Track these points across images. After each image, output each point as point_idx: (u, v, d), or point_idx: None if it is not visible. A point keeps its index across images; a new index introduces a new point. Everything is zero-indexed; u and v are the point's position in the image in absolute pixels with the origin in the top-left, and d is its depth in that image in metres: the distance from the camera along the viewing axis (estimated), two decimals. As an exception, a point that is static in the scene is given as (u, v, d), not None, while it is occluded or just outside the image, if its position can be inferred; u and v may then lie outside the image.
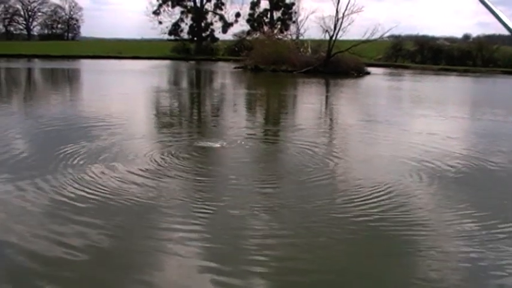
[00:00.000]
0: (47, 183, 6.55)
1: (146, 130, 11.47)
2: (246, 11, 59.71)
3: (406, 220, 5.63)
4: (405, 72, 43.03)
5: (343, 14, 36.08)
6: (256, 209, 5.81)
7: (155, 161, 7.92)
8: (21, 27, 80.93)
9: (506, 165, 8.59)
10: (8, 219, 5.29)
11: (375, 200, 6.26)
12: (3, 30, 78.92)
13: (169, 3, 59.76)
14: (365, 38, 36.16)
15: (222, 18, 60.68)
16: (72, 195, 6.10)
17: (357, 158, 8.73)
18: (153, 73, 34.97)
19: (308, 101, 20.18)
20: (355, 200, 6.23)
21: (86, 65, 40.12)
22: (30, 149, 8.82)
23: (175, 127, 12.24)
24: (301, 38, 45.01)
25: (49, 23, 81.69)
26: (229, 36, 60.71)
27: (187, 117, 14.95)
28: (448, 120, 14.75)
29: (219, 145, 9.34)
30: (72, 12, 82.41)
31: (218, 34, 61.17)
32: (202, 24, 60.43)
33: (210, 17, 61.03)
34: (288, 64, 34.92)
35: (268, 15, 59.47)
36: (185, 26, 60.79)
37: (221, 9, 60.69)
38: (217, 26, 60.95)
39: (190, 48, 58.16)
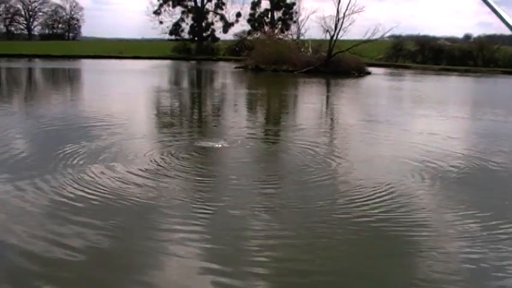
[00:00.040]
0: (46, 183, 6.53)
1: (146, 130, 11.45)
2: (246, 10, 59.82)
3: (408, 220, 5.60)
4: (406, 72, 42.98)
5: (344, 14, 36.09)
6: (257, 209, 5.78)
7: (155, 161, 7.89)
8: (22, 27, 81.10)
9: (507, 165, 8.56)
10: (8, 220, 5.26)
11: (377, 200, 6.24)
12: (4, 30, 78.99)
13: (170, 3, 59.77)
14: (366, 38, 36.15)
15: (222, 18, 60.71)
16: (72, 195, 6.08)
17: (358, 158, 8.70)
18: (153, 73, 34.96)
19: (309, 101, 20.15)
20: (357, 201, 6.21)
21: (87, 65, 40.11)
22: (30, 149, 8.81)
23: (175, 127, 12.22)
24: (302, 37, 45.03)
25: (50, 22, 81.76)
26: (230, 36, 60.78)
27: (188, 117, 14.93)
28: (449, 120, 14.72)
29: (219, 145, 9.32)
30: (73, 12, 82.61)
31: (219, 34, 61.30)
32: (203, 24, 60.42)
33: (210, 16, 61.09)
34: (288, 64, 34.90)
35: (269, 15, 59.45)
36: (186, 26, 60.88)
37: (222, 9, 60.76)
38: (218, 25, 61.05)
39: (191, 48, 58.15)
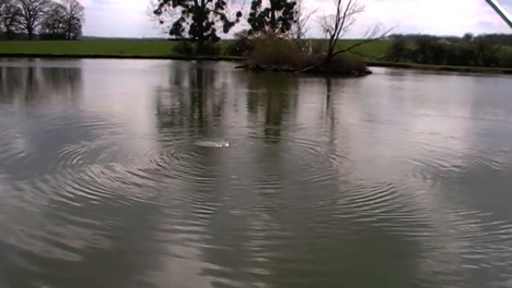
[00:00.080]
0: (46, 183, 6.51)
1: (147, 129, 11.42)
2: (247, 10, 59.75)
3: (409, 220, 5.58)
4: (407, 71, 42.94)
5: (345, 13, 36.02)
6: (258, 209, 5.76)
7: (155, 160, 7.87)
8: (22, 26, 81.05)
9: (508, 165, 8.54)
10: (7, 220, 5.24)
11: (378, 200, 6.22)
12: (5, 29, 78.97)
13: (171, 2, 59.72)
14: (366, 37, 36.11)
15: (223, 17, 60.67)
16: (72, 195, 6.06)
17: (358, 158, 8.68)
18: (154, 72, 34.94)
19: (309, 101, 20.13)
20: (358, 201, 6.18)
21: (87, 65, 40.09)
22: (30, 149, 8.79)
23: (176, 126, 12.20)
24: (302, 37, 45.07)
25: (50, 22, 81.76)
26: (230, 35, 60.72)
27: (188, 116, 14.91)
28: (449, 119, 14.71)
29: (220, 145, 9.30)
30: (73, 12, 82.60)
31: (219, 33, 61.23)
32: (204, 24, 60.39)
33: (211, 16, 61.02)
34: (289, 64, 34.87)
35: (270, 15, 59.40)
36: (186, 26, 60.81)
37: (222, 9, 60.70)
38: (219, 25, 60.98)
39: (192, 48, 58.10)
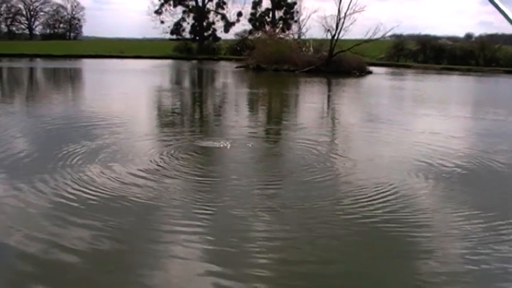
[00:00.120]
0: (45, 183, 6.48)
1: (147, 129, 11.39)
2: (247, 10, 59.76)
3: (412, 221, 5.54)
4: (407, 71, 42.91)
5: (345, 13, 35.99)
6: (259, 210, 5.73)
7: (156, 160, 7.85)
8: (23, 26, 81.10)
9: (510, 165, 8.51)
10: (6, 220, 5.21)
11: (380, 200, 6.18)
12: (6, 29, 79.07)
13: (171, 2, 59.74)
14: (367, 37, 36.05)
15: (223, 17, 60.67)
16: (71, 196, 6.03)
17: (360, 158, 8.65)
18: (155, 72, 34.93)
19: (310, 101, 20.12)
20: (360, 201, 6.15)
21: (88, 65, 40.08)
22: (30, 149, 8.75)
23: (177, 126, 12.18)
24: (303, 37, 45.03)
25: (51, 22, 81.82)
26: (231, 35, 60.75)
27: (189, 116, 14.89)
28: (450, 119, 14.69)
29: (221, 144, 9.28)
30: (74, 12, 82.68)
31: (220, 33, 61.26)
32: (204, 24, 60.41)
33: (212, 16, 61.03)
34: (290, 63, 34.85)
35: (270, 15, 59.39)
36: (187, 26, 60.84)
37: (223, 9, 60.70)
38: (219, 25, 61.01)
39: (192, 48, 58.10)
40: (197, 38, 60.10)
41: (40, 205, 5.72)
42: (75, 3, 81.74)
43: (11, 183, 6.46)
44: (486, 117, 15.34)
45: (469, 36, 66.71)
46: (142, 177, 6.89)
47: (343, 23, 36.10)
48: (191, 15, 60.49)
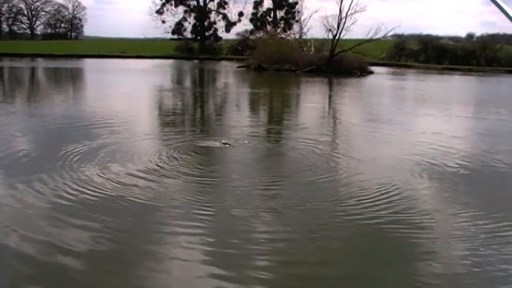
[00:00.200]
0: (45, 183, 6.43)
1: (149, 129, 11.37)
2: (249, 10, 59.87)
3: (415, 222, 5.49)
4: (408, 71, 42.89)
5: (347, 13, 36.04)
6: (261, 210, 5.69)
7: (157, 160, 7.81)
8: (24, 26, 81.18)
9: (513, 165, 8.49)
10: (5, 221, 5.18)
11: (383, 201, 6.13)
12: (7, 29, 79.19)
13: (173, 2, 59.86)
14: (368, 37, 36.11)
15: (225, 17, 60.73)
16: (70, 196, 5.99)
17: (362, 158, 8.60)
18: (156, 72, 34.96)
19: (311, 100, 20.10)
20: (363, 202, 6.10)
21: (89, 64, 40.12)
22: (30, 148, 8.72)
23: (178, 126, 12.16)
24: (304, 37, 45.01)
25: (52, 22, 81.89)
26: (232, 35, 60.87)
27: (190, 116, 14.88)
28: (452, 119, 14.67)
29: (222, 144, 9.26)
30: (75, 12, 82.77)
31: (221, 33, 61.38)
32: (206, 24, 60.48)
33: (213, 16, 61.15)
34: (291, 63, 34.87)
35: (272, 15, 59.45)
36: (188, 25, 61.01)
37: (224, 9, 60.81)
38: (221, 25, 61.12)
39: (194, 48, 58.15)
40: (198, 37, 60.15)
41: (40, 205, 5.68)
42: (77, 3, 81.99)
43: (10, 183, 6.42)
44: (488, 117, 15.32)
45: (470, 36, 66.81)
46: (142, 178, 6.84)
47: (344, 22, 36.19)
48: (192, 15, 60.57)
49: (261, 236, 5.03)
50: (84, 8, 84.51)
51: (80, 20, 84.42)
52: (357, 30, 54.78)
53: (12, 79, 27.77)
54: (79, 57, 46.82)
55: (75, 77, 30.49)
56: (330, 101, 20.16)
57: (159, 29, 60.25)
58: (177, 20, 60.31)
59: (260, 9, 59.88)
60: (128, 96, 18.81)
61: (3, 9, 77.17)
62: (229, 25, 60.66)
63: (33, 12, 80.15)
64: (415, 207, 6.00)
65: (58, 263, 4.29)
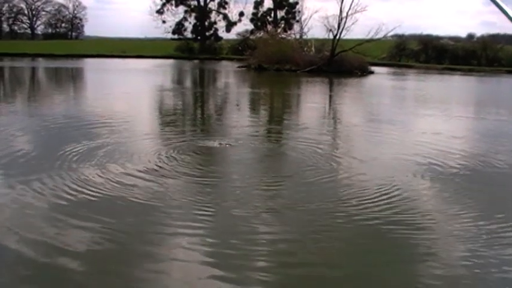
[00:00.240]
0: (43, 183, 6.40)
1: (149, 129, 11.37)
2: (249, 10, 59.85)
3: (416, 223, 5.47)
4: (409, 71, 42.88)
5: (347, 13, 36.04)
6: (261, 211, 5.67)
7: (157, 160, 7.79)
8: (25, 26, 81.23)
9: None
10: (4, 221, 5.16)
11: (385, 202, 6.11)
12: (8, 29, 79.23)
13: (173, 2, 59.87)
14: (369, 37, 36.10)
15: (225, 17, 60.75)
16: (70, 196, 5.97)
17: (362, 158, 8.58)
18: (156, 72, 34.96)
19: (312, 100, 20.10)
20: (364, 202, 6.07)
21: (90, 64, 40.12)
22: (30, 148, 8.69)
23: (178, 126, 12.15)
24: (304, 37, 44.97)
25: (53, 22, 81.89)
26: (232, 35, 60.90)
27: (191, 116, 14.87)
28: (452, 119, 14.65)
29: (222, 144, 9.25)
30: (76, 11, 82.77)
31: (222, 33, 61.39)
32: (206, 24, 60.48)
33: (213, 16, 61.18)
34: (291, 63, 34.86)
35: (272, 15, 59.44)
36: (189, 25, 61.03)
37: (225, 9, 60.80)
38: (221, 25, 61.14)
39: (194, 47, 58.14)
40: (199, 37, 60.16)
41: (38, 205, 5.66)
42: (77, 3, 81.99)
43: (10, 183, 6.40)
44: (488, 117, 15.31)
45: (471, 36, 66.80)
46: (142, 178, 6.82)
47: (344, 22, 36.19)
48: (193, 14, 60.60)
49: (262, 237, 5.01)
50: (84, 8, 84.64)
51: (81, 19, 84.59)
52: (358, 30, 54.74)
53: (13, 79, 27.77)
54: (79, 57, 46.82)
55: (75, 77, 30.49)
56: (330, 101, 20.15)
57: (160, 28, 60.39)
58: (177, 20, 60.43)
59: (261, 9, 59.92)
60: (128, 96, 18.80)
61: (4, 9, 77.30)
62: (230, 25, 60.69)
63: (34, 12, 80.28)
64: (416, 208, 5.99)
65: (57, 263, 4.27)
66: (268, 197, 6.29)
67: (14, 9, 78.18)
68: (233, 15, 60.54)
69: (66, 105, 15.92)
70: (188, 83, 29.69)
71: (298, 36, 44.94)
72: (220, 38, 60.95)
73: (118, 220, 5.29)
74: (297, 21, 56.39)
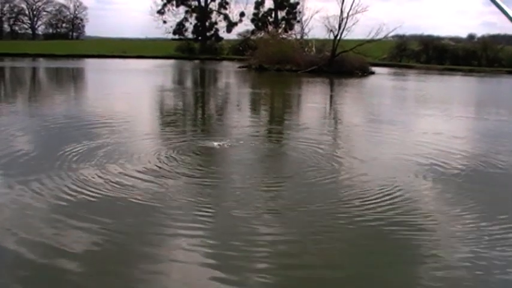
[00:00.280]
0: (43, 184, 6.38)
1: (150, 129, 11.35)
2: (250, 10, 59.94)
3: (418, 224, 5.44)
4: (410, 72, 42.87)
5: (348, 13, 36.08)
6: (262, 211, 5.65)
7: (158, 160, 7.77)
8: (26, 26, 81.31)
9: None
10: (3, 222, 5.14)
11: (386, 203, 6.09)
12: (8, 29, 79.29)
13: (174, 2, 59.94)
14: (369, 37, 36.16)
15: (226, 17, 60.80)
16: (70, 197, 5.94)
17: (363, 158, 8.55)
18: (157, 72, 34.97)
19: (313, 101, 20.08)
20: (365, 203, 6.05)
21: (91, 64, 40.13)
22: (30, 148, 8.66)
23: (179, 126, 12.14)
24: (305, 37, 45.08)
25: (54, 22, 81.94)
26: (233, 35, 60.98)
27: (192, 116, 14.85)
28: (453, 120, 14.64)
29: (223, 144, 9.24)
30: (76, 12, 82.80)
31: (222, 33, 61.46)
32: (207, 24, 60.51)
33: (214, 16, 61.26)
34: (292, 64, 34.87)
35: (273, 15, 59.48)
36: (189, 26, 61.13)
37: (225, 9, 60.85)
38: (222, 25, 61.21)
39: (195, 48, 58.18)
40: (199, 38, 60.21)
41: (37, 206, 5.63)
42: (78, 3, 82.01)
43: (9, 183, 6.38)
44: (489, 117, 15.31)
45: (471, 37, 66.80)
46: (142, 178, 6.79)
47: (345, 23, 36.23)
48: (194, 15, 60.65)
49: (262, 238, 4.99)
50: (85, 8, 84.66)
51: (81, 20, 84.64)
52: (358, 30, 55.01)
53: (14, 79, 27.77)
54: (80, 57, 46.86)
55: (76, 77, 30.50)
56: (331, 102, 20.13)
57: (160, 29, 60.51)
58: (178, 20, 60.50)
59: (261, 9, 59.98)
60: (129, 96, 18.79)
61: (5, 9, 77.37)
62: (231, 25, 60.74)
63: (35, 12, 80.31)
64: (418, 209, 5.96)
65: (56, 264, 4.25)
66: (268, 198, 6.25)
67: (15, 10, 78.27)
68: (234, 16, 60.70)
69: (66, 105, 15.91)
70: (189, 83, 29.68)
71: (299, 37, 45.08)
72: (221, 39, 60.99)
73: (117, 221, 5.26)
74: (298, 21, 56.47)
